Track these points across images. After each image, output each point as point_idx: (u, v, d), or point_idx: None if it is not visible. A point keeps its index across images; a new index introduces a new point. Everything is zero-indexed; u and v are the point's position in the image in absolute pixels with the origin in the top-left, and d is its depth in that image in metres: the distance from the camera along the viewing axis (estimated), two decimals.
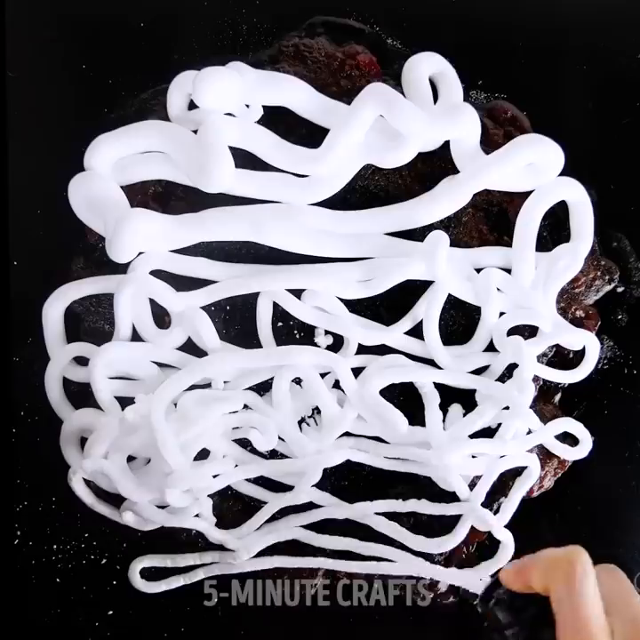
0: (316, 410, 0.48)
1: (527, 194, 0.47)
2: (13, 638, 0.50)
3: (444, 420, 0.47)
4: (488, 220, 0.49)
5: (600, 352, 0.48)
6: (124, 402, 0.47)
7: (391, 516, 0.48)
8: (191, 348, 0.48)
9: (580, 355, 0.48)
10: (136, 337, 0.48)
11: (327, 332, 0.49)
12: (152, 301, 0.47)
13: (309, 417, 0.48)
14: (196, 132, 0.47)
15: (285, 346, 0.48)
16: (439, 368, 0.47)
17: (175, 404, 0.46)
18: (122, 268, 0.47)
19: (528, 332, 0.48)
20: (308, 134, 0.48)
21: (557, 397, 0.50)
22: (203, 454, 0.46)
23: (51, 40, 0.50)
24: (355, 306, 0.48)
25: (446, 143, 0.48)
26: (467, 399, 0.48)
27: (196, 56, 0.49)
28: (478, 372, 0.48)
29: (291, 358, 0.47)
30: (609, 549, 0.49)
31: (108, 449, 0.46)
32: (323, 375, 0.48)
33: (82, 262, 0.49)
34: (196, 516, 0.47)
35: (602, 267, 0.49)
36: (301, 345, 0.48)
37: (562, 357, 0.49)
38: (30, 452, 0.49)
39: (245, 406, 0.47)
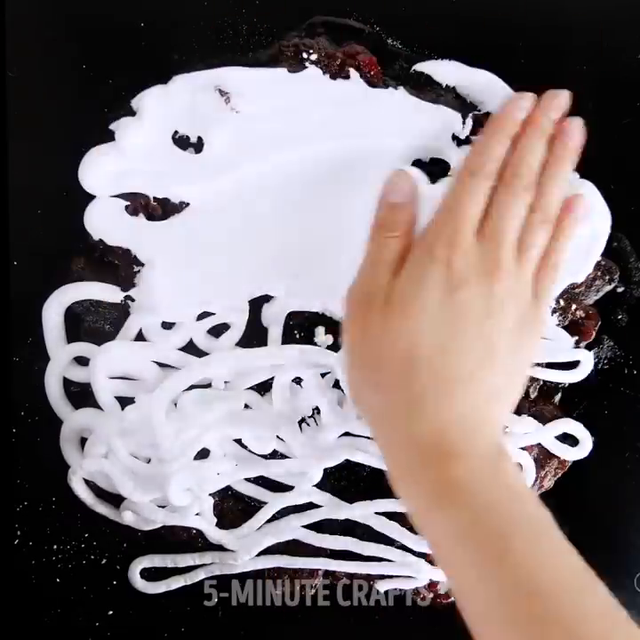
0: (316, 410, 0.48)
1: None
2: (13, 638, 0.50)
3: None
4: None
5: (600, 352, 0.48)
6: (124, 402, 0.47)
7: (391, 515, 0.48)
8: (191, 347, 0.48)
9: None
10: (135, 337, 0.48)
11: (327, 332, 0.49)
12: None
13: (309, 417, 0.48)
14: None
15: (285, 345, 0.48)
16: None
17: (175, 404, 0.46)
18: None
19: None
20: None
21: (557, 397, 0.50)
22: (203, 454, 0.46)
23: (51, 40, 0.50)
24: None
25: None
26: None
27: (195, 56, 0.49)
28: None
29: (290, 358, 0.47)
30: (609, 549, 0.49)
31: (107, 449, 0.46)
32: (323, 375, 0.48)
33: (82, 262, 0.49)
34: (197, 514, 0.47)
35: (602, 267, 0.49)
36: (301, 345, 0.48)
37: None
38: (30, 452, 0.49)
39: (246, 406, 0.47)
